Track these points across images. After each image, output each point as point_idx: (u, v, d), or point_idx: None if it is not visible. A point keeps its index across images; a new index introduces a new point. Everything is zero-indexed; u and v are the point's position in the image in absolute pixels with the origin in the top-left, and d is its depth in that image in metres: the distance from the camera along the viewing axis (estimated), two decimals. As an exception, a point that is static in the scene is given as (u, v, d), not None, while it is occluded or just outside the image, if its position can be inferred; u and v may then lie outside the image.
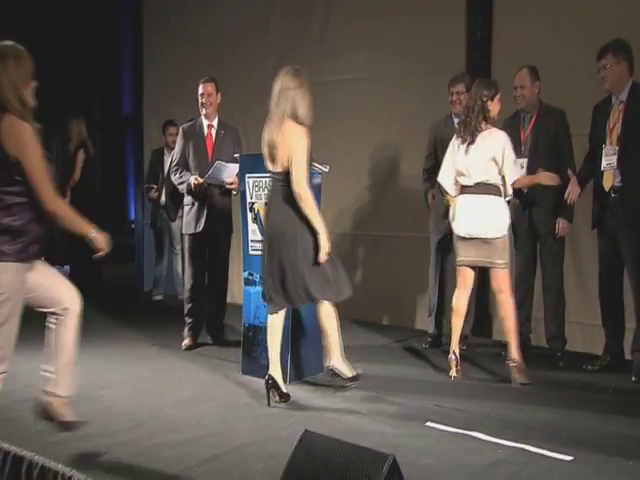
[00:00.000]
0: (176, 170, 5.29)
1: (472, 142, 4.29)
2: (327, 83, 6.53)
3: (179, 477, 3.04)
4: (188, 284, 5.37)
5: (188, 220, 5.28)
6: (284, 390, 4.02)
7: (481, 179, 4.29)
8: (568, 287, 4.92)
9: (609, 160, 4.38)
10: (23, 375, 3.67)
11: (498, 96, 4.38)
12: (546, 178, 4.43)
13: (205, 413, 3.74)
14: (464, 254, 4.39)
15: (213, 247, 5.34)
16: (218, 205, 5.25)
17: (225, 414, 3.82)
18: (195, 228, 5.22)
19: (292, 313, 4.36)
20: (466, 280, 4.46)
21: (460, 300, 4.47)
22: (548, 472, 3.08)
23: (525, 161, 4.69)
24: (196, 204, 5.22)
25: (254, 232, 4.60)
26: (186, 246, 5.38)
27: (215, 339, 5.44)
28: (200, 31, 7.63)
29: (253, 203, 4.58)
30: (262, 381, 4.40)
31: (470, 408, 3.91)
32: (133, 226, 9.82)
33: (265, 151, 3.98)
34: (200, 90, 5.27)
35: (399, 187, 6.16)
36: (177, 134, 5.65)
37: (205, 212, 5.19)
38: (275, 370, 4.00)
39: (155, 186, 7.34)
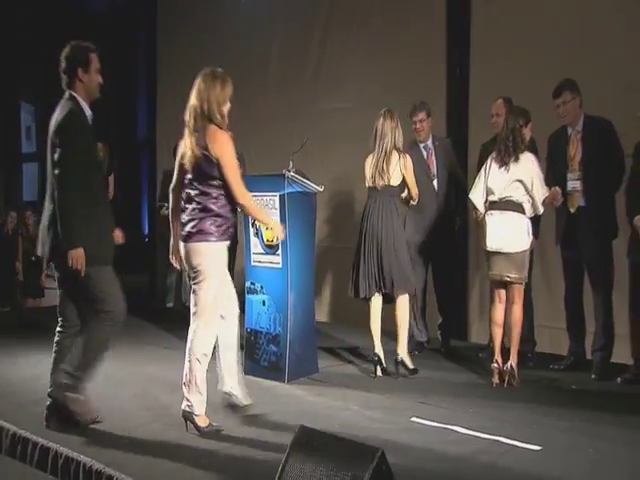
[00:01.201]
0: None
1: (510, 164, 4.23)
2: (322, 111, 6.60)
3: (191, 467, 3.07)
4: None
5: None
6: (385, 366, 4.53)
7: (505, 195, 4.24)
8: (537, 295, 4.95)
9: (574, 184, 4.45)
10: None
11: (530, 124, 4.42)
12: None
13: (211, 410, 3.75)
14: (493, 269, 4.33)
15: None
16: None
17: (229, 411, 3.82)
18: (206, 242, 5.22)
19: (290, 317, 4.39)
20: (500, 294, 4.39)
21: (497, 313, 4.39)
22: (520, 461, 3.12)
23: None
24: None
25: (255, 245, 4.62)
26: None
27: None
28: (208, 66, 7.67)
29: (255, 219, 4.60)
30: (263, 381, 4.44)
31: (451, 404, 3.94)
32: (146, 239, 9.83)
33: (369, 173, 4.55)
34: (208, 118, 5.29)
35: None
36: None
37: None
38: (379, 349, 4.59)
39: (166, 204, 7.24)
